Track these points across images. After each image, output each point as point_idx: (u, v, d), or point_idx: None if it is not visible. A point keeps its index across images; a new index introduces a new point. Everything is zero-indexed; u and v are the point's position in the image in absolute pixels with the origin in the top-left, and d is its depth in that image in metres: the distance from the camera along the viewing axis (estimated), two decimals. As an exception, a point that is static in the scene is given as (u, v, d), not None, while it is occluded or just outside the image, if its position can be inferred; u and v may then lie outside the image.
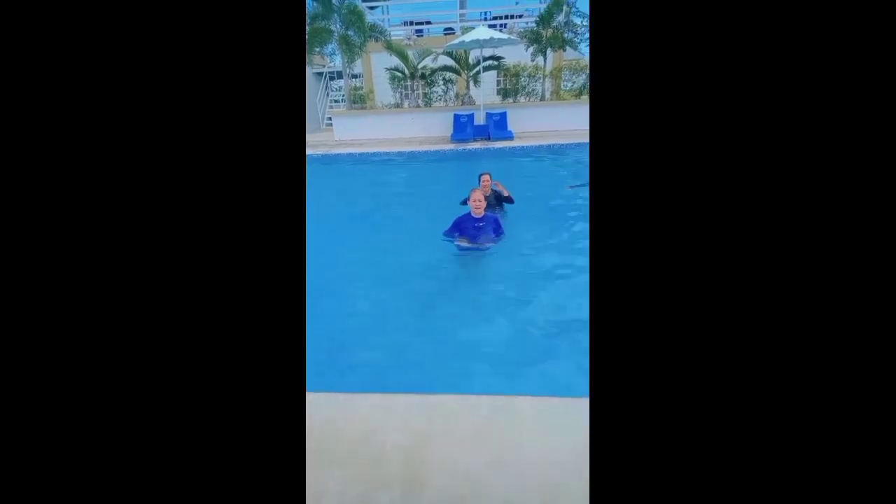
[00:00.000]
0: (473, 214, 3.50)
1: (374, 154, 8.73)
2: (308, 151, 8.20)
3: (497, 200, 4.35)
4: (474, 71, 10.88)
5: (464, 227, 3.55)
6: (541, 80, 11.06)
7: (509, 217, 4.24)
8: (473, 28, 9.68)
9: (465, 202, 4.52)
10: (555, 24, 10.13)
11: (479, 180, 4.34)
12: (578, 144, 8.43)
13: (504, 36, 9.25)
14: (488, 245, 3.51)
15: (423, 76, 11.02)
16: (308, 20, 9.60)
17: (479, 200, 3.46)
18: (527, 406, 1.72)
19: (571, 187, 4.58)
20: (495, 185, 4.34)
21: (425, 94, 11.34)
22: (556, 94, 11.62)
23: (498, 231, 3.57)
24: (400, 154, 8.70)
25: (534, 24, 10.51)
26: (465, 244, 3.52)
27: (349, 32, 10.02)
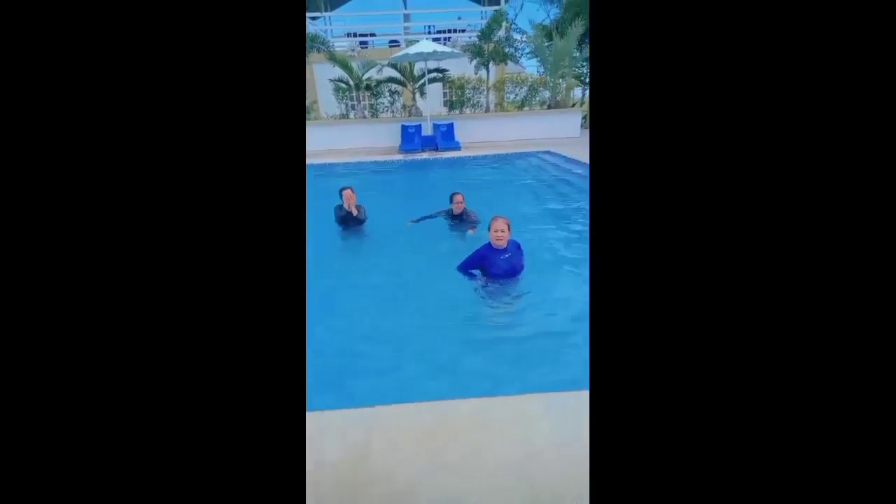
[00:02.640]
0: (495, 246, 2.91)
1: (323, 165, 8.55)
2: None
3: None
4: (420, 83, 11.01)
5: (490, 263, 2.93)
6: (485, 93, 11.42)
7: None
8: (418, 41, 9.84)
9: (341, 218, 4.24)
10: (496, 38, 10.54)
11: (451, 199, 4.20)
12: (522, 153, 8.78)
13: (448, 49, 9.48)
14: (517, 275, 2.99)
15: (368, 87, 10.98)
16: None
17: (502, 231, 2.87)
18: (506, 406, 1.74)
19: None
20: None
21: (371, 106, 11.29)
22: (500, 106, 12.04)
23: (521, 254, 3.05)
24: (347, 165, 8.58)
25: (476, 39, 10.86)
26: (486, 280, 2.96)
27: (290, 42, 9.79)
